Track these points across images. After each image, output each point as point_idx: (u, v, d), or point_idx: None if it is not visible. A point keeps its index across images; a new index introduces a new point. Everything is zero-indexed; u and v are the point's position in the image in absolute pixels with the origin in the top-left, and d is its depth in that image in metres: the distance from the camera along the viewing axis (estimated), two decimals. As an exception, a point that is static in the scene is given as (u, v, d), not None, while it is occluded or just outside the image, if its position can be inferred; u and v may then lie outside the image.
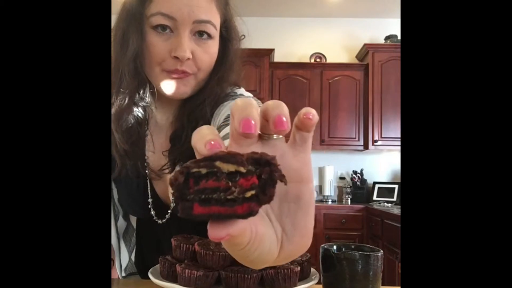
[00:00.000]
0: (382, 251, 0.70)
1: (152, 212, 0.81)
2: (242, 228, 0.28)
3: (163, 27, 0.67)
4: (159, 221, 0.81)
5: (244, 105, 0.30)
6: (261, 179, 0.28)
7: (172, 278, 0.72)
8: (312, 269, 0.80)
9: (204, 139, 0.29)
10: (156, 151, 0.78)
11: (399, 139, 3.84)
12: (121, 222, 0.88)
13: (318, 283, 0.74)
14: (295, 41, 4.31)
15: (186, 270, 0.68)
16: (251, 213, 0.28)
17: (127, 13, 0.72)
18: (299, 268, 0.73)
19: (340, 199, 4.16)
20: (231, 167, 0.28)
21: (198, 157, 0.29)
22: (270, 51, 3.97)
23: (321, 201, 4.00)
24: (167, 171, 0.75)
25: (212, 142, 0.29)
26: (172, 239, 0.76)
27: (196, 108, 0.73)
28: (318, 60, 4.20)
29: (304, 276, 0.76)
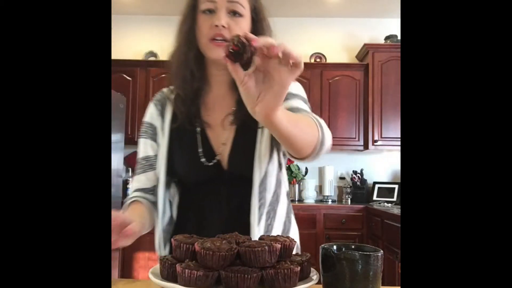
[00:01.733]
0: (382, 251, 0.70)
1: (203, 160, 1.00)
2: (236, 67, 0.64)
3: (209, 11, 0.96)
4: (209, 164, 1.00)
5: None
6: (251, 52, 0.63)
7: (172, 278, 0.72)
8: (312, 269, 0.80)
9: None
10: (209, 106, 1.05)
11: (399, 139, 3.84)
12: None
13: (318, 283, 0.74)
14: (295, 41, 4.30)
15: (186, 270, 0.68)
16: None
17: (187, 5, 1.02)
18: (299, 268, 0.73)
19: (340, 199, 4.15)
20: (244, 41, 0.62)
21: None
22: (270, 51, 3.96)
23: (321, 201, 4.00)
24: (234, 126, 1.01)
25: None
26: (172, 239, 0.77)
27: None
28: (318, 60, 4.20)
29: (304, 276, 0.76)
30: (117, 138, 3.32)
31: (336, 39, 4.33)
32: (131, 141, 3.95)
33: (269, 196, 1.00)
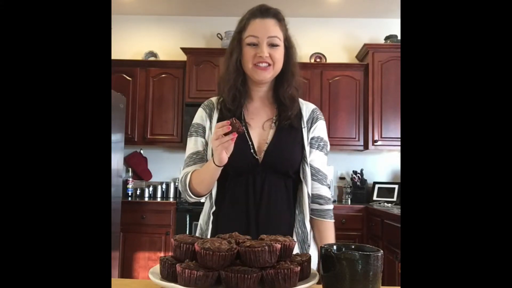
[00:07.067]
0: (382, 251, 0.70)
1: (252, 151, 1.22)
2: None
3: (253, 44, 1.21)
4: (257, 157, 1.21)
5: None
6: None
7: (172, 278, 0.72)
8: (312, 269, 0.80)
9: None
10: (251, 112, 1.29)
11: (399, 139, 3.84)
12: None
13: (318, 283, 0.74)
14: (295, 41, 4.30)
15: (186, 270, 0.68)
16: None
17: (233, 38, 1.28)
18: (299, 268, 0.73)
19: (340, 199, 4.16)
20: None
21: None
22: (271, 51, 3.96)
23: (321, 201, 3.98)
24: (273, 129, 1.26)
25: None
26: (172, 239, 0.77)
27: (286, 90, 1.28)
28: (318, 60, 4.20)
29: (304, 276, 0.76)
30: (117, 138, 3.32)
31: (336, 39, 4.33)
32: (131, 141, 3.95)
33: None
